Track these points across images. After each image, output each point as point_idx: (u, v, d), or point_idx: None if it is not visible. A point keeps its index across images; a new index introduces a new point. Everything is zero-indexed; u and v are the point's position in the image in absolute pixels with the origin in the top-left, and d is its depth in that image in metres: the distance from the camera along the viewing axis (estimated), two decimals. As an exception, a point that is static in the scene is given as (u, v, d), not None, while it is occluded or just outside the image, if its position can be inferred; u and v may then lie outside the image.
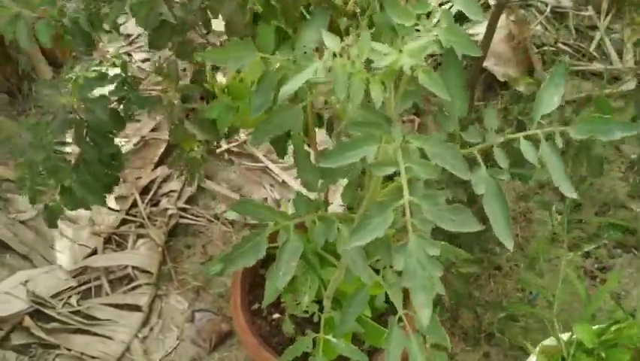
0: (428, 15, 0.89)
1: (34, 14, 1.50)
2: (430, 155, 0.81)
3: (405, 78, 0.90)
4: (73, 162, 1.55)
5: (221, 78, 1.24)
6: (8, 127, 1.56)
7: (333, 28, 1.01)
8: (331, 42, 0.83)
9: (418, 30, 0.85)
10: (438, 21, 0.88)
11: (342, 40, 0.86)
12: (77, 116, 1.50)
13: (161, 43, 1.27)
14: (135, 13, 1.28)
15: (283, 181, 2.44)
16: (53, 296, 2.07)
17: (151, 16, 1.20)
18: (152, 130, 2.58)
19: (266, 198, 2.41)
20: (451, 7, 0.90)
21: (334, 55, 0.83)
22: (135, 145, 2.53)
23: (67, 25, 1.51)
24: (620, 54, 2.91)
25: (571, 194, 0.88)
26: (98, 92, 1.57)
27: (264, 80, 1.01)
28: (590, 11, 3.07)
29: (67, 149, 1.56)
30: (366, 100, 0.87)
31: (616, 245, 2.33)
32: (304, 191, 1.13)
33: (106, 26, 1.48)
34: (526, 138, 0.93)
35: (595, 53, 2.92)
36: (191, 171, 1.32)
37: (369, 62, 0.86)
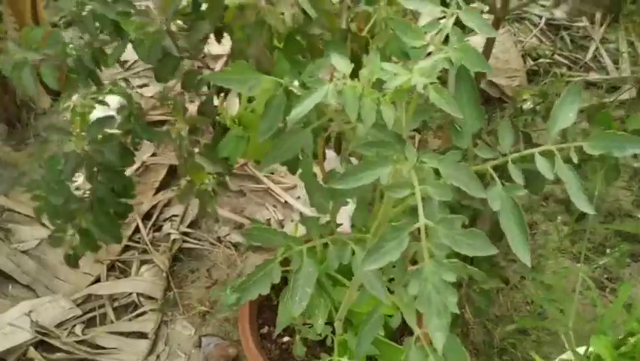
0: (438, 33, 0.88)
1: (38, 57, 1.50)
2: (445, 175, 0.80)
3: (416, 97, 0.89)
4: (86, 202, 1.55)
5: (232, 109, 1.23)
6: (19, 160, 1.55)
7: (352, 56, 1.00)
8: (341, 65, 0.82)
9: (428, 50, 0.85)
10: (447, 38, 0.88)
11: (358, 65, 0.85)
12: (88, 157, 1.50)
13: (166, 75, 1.27)
14: (137, 47, 1.27)
15: (286, 202, 2.42)
16: (57, 326, 2.03)
17: (154, 50, 1.19)
18: (153, 155, 2.57)
19: (269, 220, 2.39)
20: (456, 22, 0.90)
21: (344, 77, 0.82)
22: (136, 170, 2.51)
23: (71, 64, 1.51)
24: (616, 63, 2.93)
25: (588, 210, 0.87)
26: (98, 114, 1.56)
27: (271, 104, 1.00)
28: (584, 22, 3.09)
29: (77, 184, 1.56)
30: (377, 119, 0.86)
31: (624, 254, 2.32)
32: (308, 212, 1.11)
33: (110, 61, 1.48)
34: (542, 153, 0.92)
35: (591, 64, 2.94)
36: (202, 206, 1.31)
37: (379, 82, 0.85)
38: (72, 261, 1.53)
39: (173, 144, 1.26)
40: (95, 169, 1.49)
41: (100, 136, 1.47)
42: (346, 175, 0.81)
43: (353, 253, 1.00)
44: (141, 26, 1.25)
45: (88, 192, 1.53)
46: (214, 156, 1.25)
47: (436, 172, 0.84)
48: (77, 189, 1.55)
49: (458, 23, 0.92)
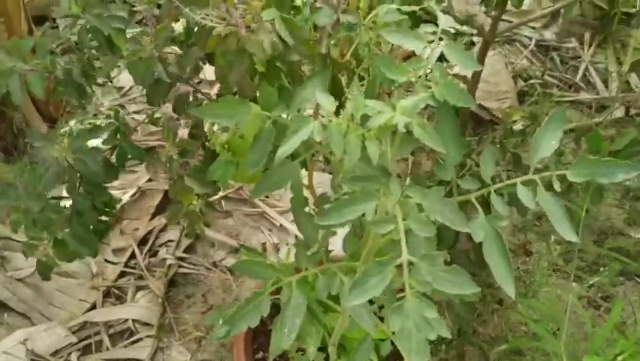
0: (421, 68, 0.91)
1: (27, 67, 1.53)
2: (429, 210, 0.82)
3: (399, 131, 0.92)
4: (65, 214, 1.56)
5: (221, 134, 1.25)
6: (3, 170, 1.57)
7: (334, 83, 1.03)
8: (326, 102, 0.85)
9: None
10: (430, 72, 0.90)
11: (340, 96, 0.88)
12: (70, 168, 1.51)
13: (158, 99, 1.29)
14: (132, 71, 1.30)
15: (281, 225, 2.44)
16: (53, 354, 2.03)
17: (147, 75, 1.22)
18: (148, 180, 2.58)
19: (264, 243, 2.41)
20: (441, 56, 0.92)
21: (329, 114, 0.84)
22: (132, 196, 2.53)
23: (60, 77, 1.53)
24: (605, 83, 2.97)
25: (572, 238, 0.89)
26: (91, 143, 1.59)
27: (260, 137, 1.02)
28: (573, 43, 3.14)
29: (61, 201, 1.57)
30: (363, 153, 0.88)
31: (617, 273, 2.33)
32: (302, 236, 1.13)
33: (99, 78, 1.50)
34: (524, 183, 0.93)
35: (581, 84, 2.97)
36: (191, 225, 1.33)
37: (364, 117, 0.87)
38: (44, 271, 1.53)
39: (163, 166, 1.28)
40: (78, 182, 1.51)
41: (84, 147, 1.49)
42: (330, 211, 0.83)
43: (342, 282, 1.02)
44: (134, 53, 1.28)
45: (68, 205, 1.54)
46: (203, 177, 1.27)
47: (420, 206, 0.85)
48: (54, 198, 1.57)
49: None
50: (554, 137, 0.94)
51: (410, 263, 0.80)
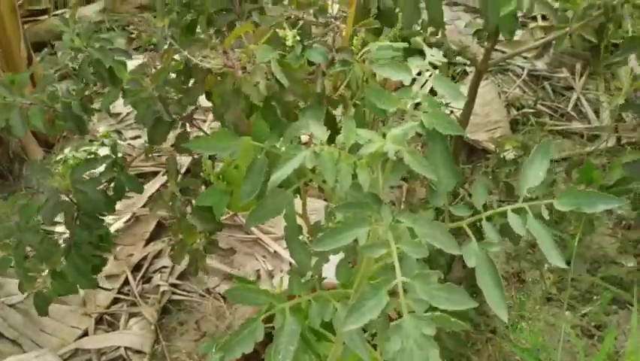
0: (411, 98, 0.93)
1: (27, 101, 1.55)
2: (420, 234, 0.83)
3: (390, 159, 0.93)
4: (63, 245, 1.56)
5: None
6: None
7: (328, 117, 1.05)
8: (319, 131, 0.87)
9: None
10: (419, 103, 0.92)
11: (334, 129, 0.89)
12: (69, 199, 1.52)
13: (159, 138, 1.31)
14: (134, 108, 1.32)
15: (275, 252, 2.44)
16: (44, 382, 2.01)
17: (148, 114, 1.24)
18: (143, 206, 2.59)
19: (258, 270, 2.40)
20: (430, 88, 0.95)
21: (322, 143, 0.86)
22: (126, 222, 2.53)
23: (59, 110, 1.55)
24: (597, 112, 3.01)
25: (560, 264, 0.90)
26: (89, 174, 1.60)
27: (253, 167, 1.04)
28: (565, 73, 3.19)
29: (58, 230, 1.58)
30: (354, 180, 0.90)
31: (611, 302, 2.33)
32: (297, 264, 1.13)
33: (103, 106, 1.52)
34: (514, 211, 0.95)
35: (573, 113, 3.02)
36: (194, 264, 1.33)
37: (356, 146, 0.89)
38: (42, 305, 1.53)
39: (166, 205, 1.29)
40: (75, 214, 1.52)
41: (83, 178, 1.50)
42: (324, 238, 0.84)
43: (335, 309, 1.02)
44: (135, 93, 1.31)
45: (65, 237, 1.55)
46: (203, 214, 1.28)
47: (412, 230, 0.87)
48: (52, 233, 1.58)
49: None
50: (541, 167, 0.96)
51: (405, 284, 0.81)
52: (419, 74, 0.96)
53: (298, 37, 1.06)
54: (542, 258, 2.40)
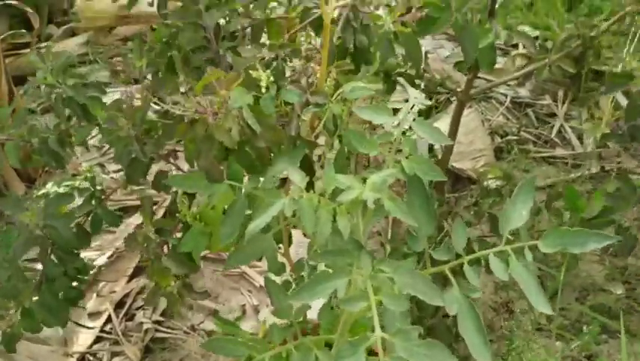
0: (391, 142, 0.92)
1: (3, 136, 1.52)
2: (401, 285, 0.81)
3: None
4: (34, 281, 1.52)
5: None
6: None
7: (304, 160, 1.04)
8: (297, 178, 0.85)
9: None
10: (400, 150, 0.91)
11: (311, 172, 0.88)
12: (42, 234, 1.49)
13: (137, 177, 1.29)
14: (112, 146, 1.30)
15: (261, 286, 2.40)
16: None
17: (124, 154, 1.22)
18: (126, 241, 2.55)
19: (244, 305, 2.36)
20: (412, 134, 0.94)
21: (300, 190, 0.84)
22: (109, 258, 2.49)
23: (36, 145, 1.53)
24: (580, 139, 3.03)
25: (547, 310, 0.89)
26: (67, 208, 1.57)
27: (232, 209, 1.02)
28: (547, 100, 3.22)
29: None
30: (334, 226, 0.88)
31: (601, 331, 2.31)
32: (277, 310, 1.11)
33: (76, 141, 1.50)
34: (496, 254, 0.94)
35: (557, 139, 3.03)
36: (170, 308, 1.30)
37: (335, 191, 0.87)
38: (9, 342, 1.48)
39: (140, 247, 1.26)
40: (49, 249, 1.48)
41: (56, 213, 1.47)
42: (303, 290, 0.82)
43: (317, 358, 1.00)
44: (111, 132, 1.29)
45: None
46: (179, 256, 1.25)
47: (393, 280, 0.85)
48: (27, 260, 1.54)
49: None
50: (525, 207, 0.95)
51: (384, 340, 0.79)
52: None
53: (272, 79, 1.05)
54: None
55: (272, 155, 1.02)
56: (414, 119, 0.92)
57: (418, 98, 0.93)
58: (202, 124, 0.94)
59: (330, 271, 0.82)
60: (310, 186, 0.87)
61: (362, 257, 0.85)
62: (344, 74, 1.08)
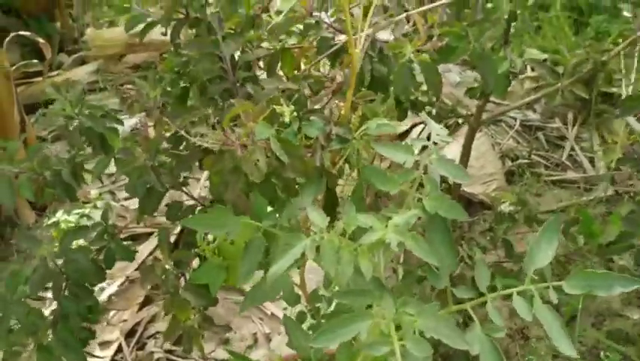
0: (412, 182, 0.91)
1: (15, 170, 1.52)
2: (424, 328, 0.79)
3: (392, 245, 0.91)
4: (51, 318, 1.51)
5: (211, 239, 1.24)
6: None
7: (329, 194, 1.03)
8: (317, 218, 0.84)
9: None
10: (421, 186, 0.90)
11: (335, 205, 0.87)
12: (57, 269, 1.48)
13: (151, 208, 1.28)
14: (127, 177, 1.30)
15: (272, 314, 2.38)
16: None
17: (139, 184, 1.22)
18: (136, 269, 2.54)
19: (255, 333, 2.34)
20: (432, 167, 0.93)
21: (321, 230, 0.83)
22: (120, 286, 2.48)
23: (49, 178, 1.53)
24: (591, 162, 3.01)
25: (571, 353, 0.86)
26: (78, 242, 1.56)
27: (251, 247, 1.01)
28: (557, 123, 3.21)
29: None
30: (355, 265, 0.87)
31: (621, 358, 2.27)
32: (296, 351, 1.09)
33: (93, 175, 1.50)
34: (520, 293, 0.92)
35: (568, 162, 3.02)
36: (188, 342, 1.28)
37: (357, 230, 0.86)
38: None
39: (158, 279, 1.25)
40: (64, 284, 1.47)
41: (73, 247, 1.46)
42: (325, 332, 0.80)
43: (336, 399, 0.98)
44: (127, 163, 1.28)
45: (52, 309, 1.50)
46: (197, 288, 1.24)
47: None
48: (43, 298, 1.52)
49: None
50: (550, 247, 0.93)
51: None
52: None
53: (295, 113, 1.05)
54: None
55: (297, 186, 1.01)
56: (433, 156, 0.91)
57: (440, 135, 0.92)
58: (230, 156, 0.93)
59: (350, 309, 0.81)
60: (332, 218, 0.86)
61: (384, 298, 0.84)
62: (367, 103, 1.08)
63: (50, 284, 1.50)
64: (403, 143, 0.93)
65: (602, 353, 2.28)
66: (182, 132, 1.08)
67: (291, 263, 0.82)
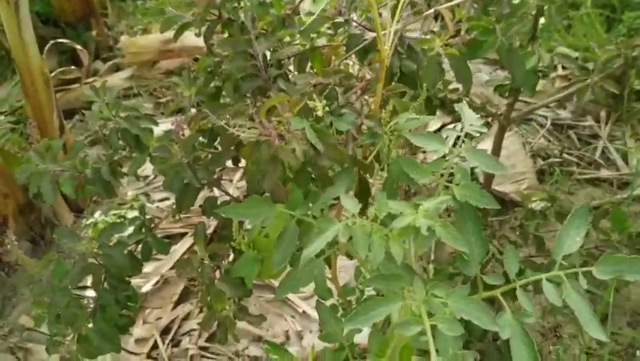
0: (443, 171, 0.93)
1: (58, 168, 1.59)
2: (455, 310, 0.82)
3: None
4: (89, 309, 1.57)
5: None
6: (30, 266, 1.60)
7: (361, 183, 1.05)
8: (350, 205, 0.87)
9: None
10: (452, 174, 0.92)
11: (367, 195, 0.90)
12: (96, 262, 1.54)
13: (187, 204, 1.33)
14: (163, 175, 1.35)
15: (304, 312, 2.41)
16: None
17: (176, 180, 1.26)
18: (171, 268, 2.60)
19: (287, 331, 2.37)
20: (463, 160, 0.95)
21: (354, 216, 0.86)
22: (155, 285, 2.54)
23: (89, 175, 1.59)
24: (625, 159, 2.97)
25: (601, 337, 0.87)
26: (116, 237, 1.62)
27: (284, 236, 1.04)
28: (589, 121, 3.17)
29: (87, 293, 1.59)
30: (386, 251, 0.89)
31: (656, 358, 2.23)
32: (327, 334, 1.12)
33: (130, 171, 1.56)
34: (549, 279, 0.93)
35: (600, 160, 2.98)
36: (223, 332, 1.32)
37: (388, 217, 0.89)
38: None
39: (195, 272, 1.29)
40: (102, 276, 1.53)
41: (110, 242, 1.52)
42: (357, 314, 0.83)
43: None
44: (163, 160, 1.33)
45: (92, 301, 1.56)
46: (234, 280, 1.28)
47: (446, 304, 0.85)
48: (81, 297, 1.58)
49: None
50: (579, 233, 0.94)
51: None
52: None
53: (327, 108, 1.08)
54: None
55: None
56: (466, 147, 0.93)
57: (474, 126, 0.94)
58: (267, 146, 0.97)
59: (381, 295, 0.84)
60: (365, 206, 0.89)
61: (415, 282, 0.86)
62: (397, 96, 1.11)
63: (89, 278, 1.57)
64: (435, 133, 0.95)
65: (637, 353, 2.25)
66: (222, 123, 1.11)
67: (323, 246, 0.85)
